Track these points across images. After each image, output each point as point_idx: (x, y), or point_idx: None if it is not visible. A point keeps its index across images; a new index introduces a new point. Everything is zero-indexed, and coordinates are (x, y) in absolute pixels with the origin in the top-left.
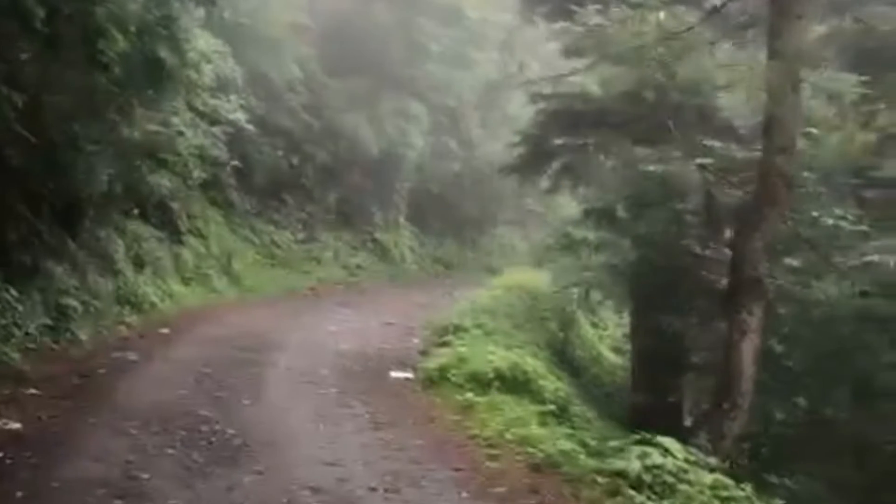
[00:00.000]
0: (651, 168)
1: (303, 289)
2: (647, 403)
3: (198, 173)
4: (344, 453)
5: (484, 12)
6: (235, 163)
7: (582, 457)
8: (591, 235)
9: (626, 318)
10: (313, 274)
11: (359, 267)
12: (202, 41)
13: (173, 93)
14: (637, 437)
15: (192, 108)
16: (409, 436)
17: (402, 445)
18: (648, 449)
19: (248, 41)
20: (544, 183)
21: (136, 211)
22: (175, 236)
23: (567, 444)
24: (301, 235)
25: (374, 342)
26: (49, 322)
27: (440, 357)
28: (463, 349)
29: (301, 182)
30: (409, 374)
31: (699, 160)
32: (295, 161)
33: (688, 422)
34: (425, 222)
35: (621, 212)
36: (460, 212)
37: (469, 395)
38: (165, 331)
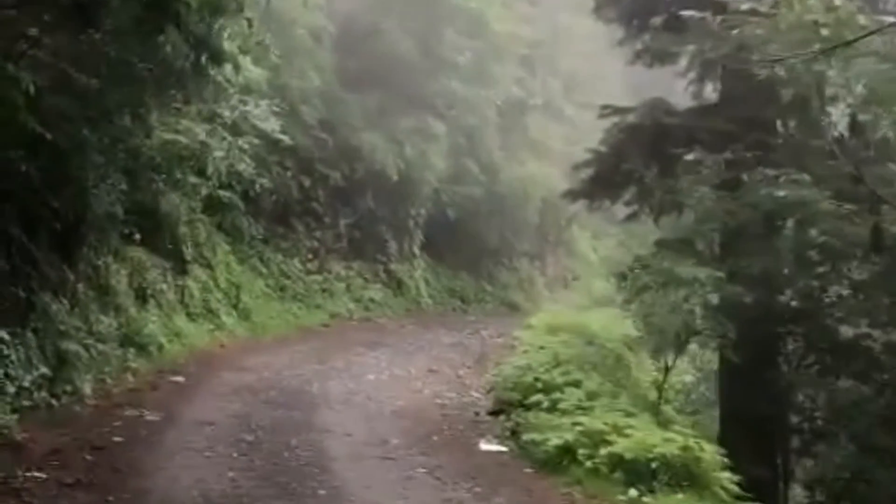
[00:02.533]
0: (780, 193)
1: (316, 325)
2: (745, 472)
3: (212, 192)
4: None
5: (508, 25)
6: (264, 181)
7: None
8: (702, 274)
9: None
10: (325, 308)
11: (372, 301)
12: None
13: (209, 92)
14: None
15: (215, 114)
16: None
17: None
18: None
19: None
20: (622, 210)
21: (137, 236)
22: (179, 266)
23: None
24: (311, 265)
25: (427, 396)
26: (47, 372)
27: (556, 430)
28: (590, 421)
29: (311, 206)
30: (501, 447)
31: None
32: (306, 183)
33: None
34: (440, 252)
35: (709, 245)
36: (477, 242)
37: (632, 492)
38: (179, 379)
